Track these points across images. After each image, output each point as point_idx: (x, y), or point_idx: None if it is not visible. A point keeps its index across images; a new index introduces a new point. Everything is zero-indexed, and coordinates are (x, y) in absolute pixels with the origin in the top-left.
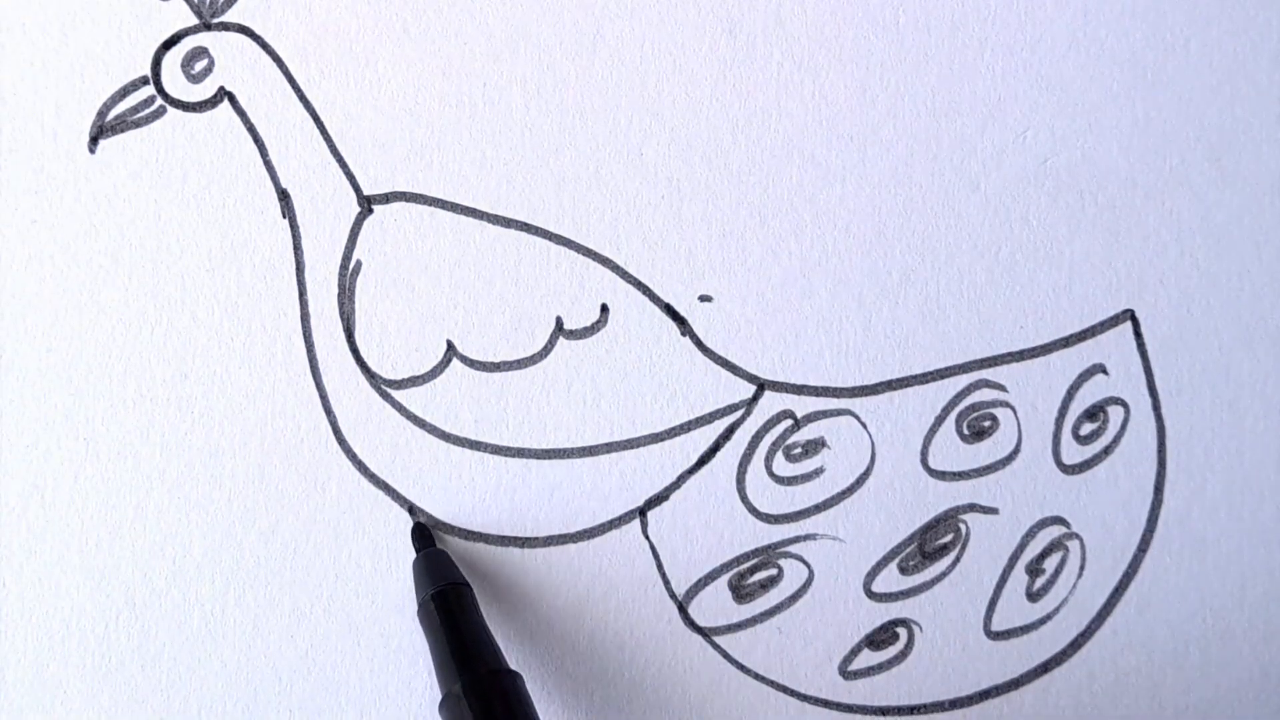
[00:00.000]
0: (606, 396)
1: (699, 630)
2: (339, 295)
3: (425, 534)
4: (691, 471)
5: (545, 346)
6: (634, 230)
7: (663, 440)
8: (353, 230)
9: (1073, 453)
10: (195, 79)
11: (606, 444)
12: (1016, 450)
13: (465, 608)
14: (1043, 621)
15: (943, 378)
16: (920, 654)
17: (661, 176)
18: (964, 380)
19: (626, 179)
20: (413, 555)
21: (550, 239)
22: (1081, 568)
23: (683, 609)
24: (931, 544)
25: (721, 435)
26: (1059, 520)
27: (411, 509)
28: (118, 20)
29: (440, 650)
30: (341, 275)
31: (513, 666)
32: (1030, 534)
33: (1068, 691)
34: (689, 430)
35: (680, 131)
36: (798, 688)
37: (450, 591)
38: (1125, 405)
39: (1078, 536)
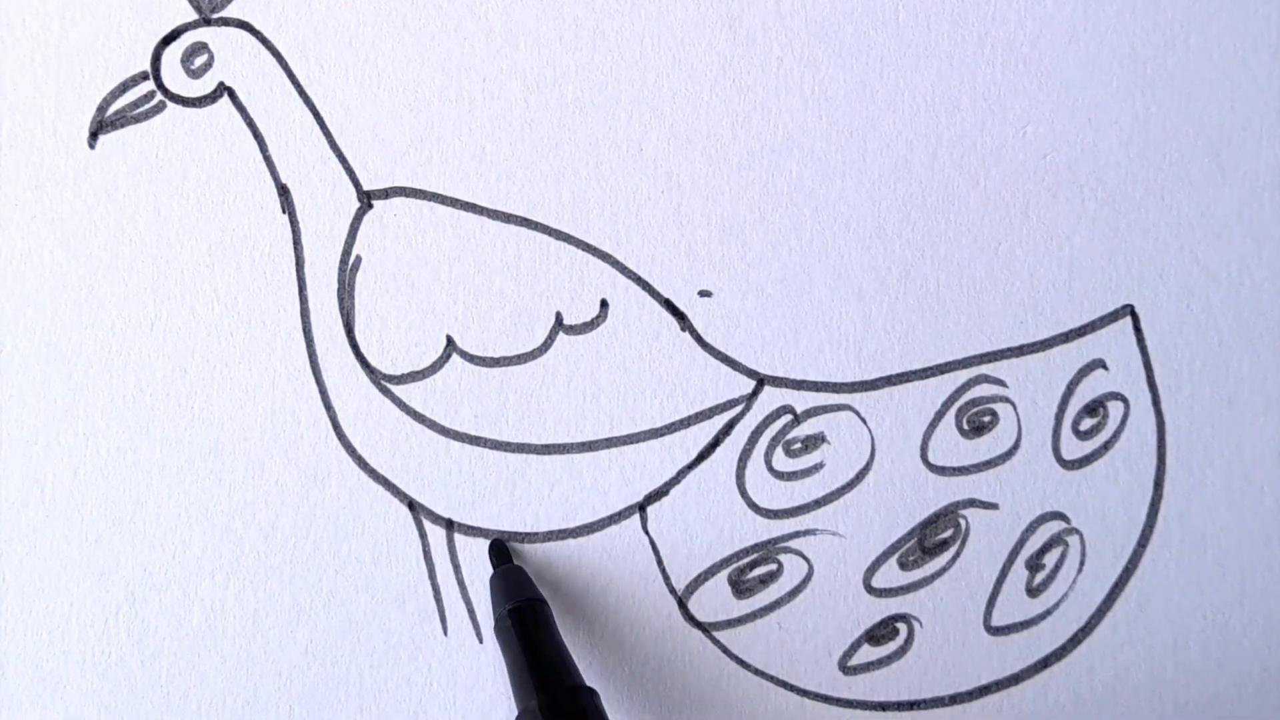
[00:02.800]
0: (606, 391)
1: (699, 625)
2: (339, 290)
3: (503, 550)
4: (691, 467)
5: (545, 342)
6: (634, 225)
7: (662, 435)
8: (352, 225)
9: (1072, 448)
10: (195, 74)
11: (606, 439)
12: (1016, 445)
13: (542, 624)
14: (1043, 617)
15: (942, 373)
16: (920, 649)
17: (661, 172)
18: (964, 375)
19: (626, 174)
20: (412, 546)
21: (550, 234)
22: (1081, 563)
23: (682, 604)
24: (931, 539)
25: (721, 430)
26: (1059, 515)
27: (411, 504)
28: (118, 16)
29: (517, 666)
30: (341, 270)
31: None
32: (1030, 529)
33: (1068, 687)
34: (689, 425)
35: (680, 127)
36: (797, 683)
37: (527, 607)
38: (1125, 400)
39: (1078, 532)
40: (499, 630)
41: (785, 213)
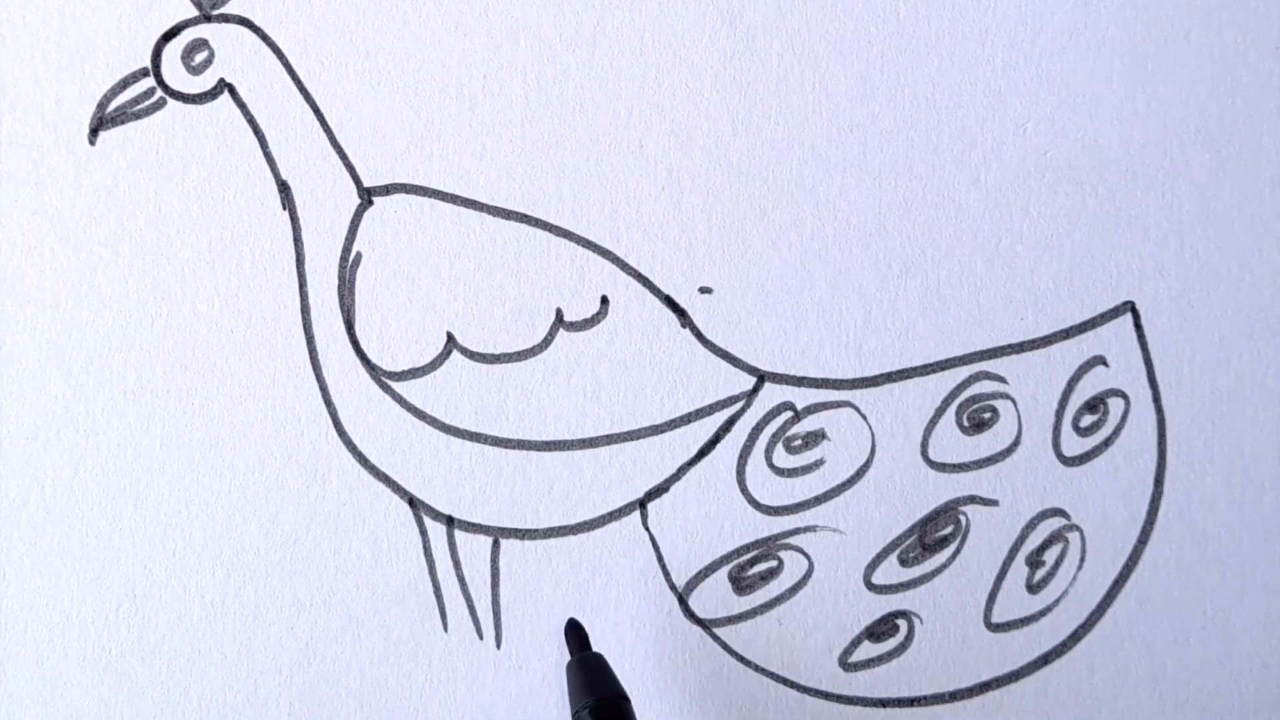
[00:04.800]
0: (606, 388)
1: (699, 622)
2: (339, 287)
3: (582, 635)
4: (691, 463)
5: (545, 338)
6: (634, 222)
7: (663, 432)
8: (353, 222)
9: (1073, 444)
10: (195, 71)
11: (606, 436)
12: (1017, 442)
13: None
14: (1043, 613)
15: (943, 369)
16: (920, 646)
17: (662, 168)
18: (964, 372)
19: (627, 171)
20: (412, 543)
21: (550, 231)
22: (1081, 560)
23: (683, 601)
24: (932, 536)
25: (721, 427)
26: (1059, 512)
27: (412, 501)
28: (118, 12)
29: None
30: (341, 267)
31: (509, 656)
32: (1030, 526)
33: (1068, 683)
34: (689, 422)
35: (681, 123)
36: (798, 679)
37: (608, 706)
38: (1125, 397)
39: (1078, 528)
40: None
41: (785, 209)
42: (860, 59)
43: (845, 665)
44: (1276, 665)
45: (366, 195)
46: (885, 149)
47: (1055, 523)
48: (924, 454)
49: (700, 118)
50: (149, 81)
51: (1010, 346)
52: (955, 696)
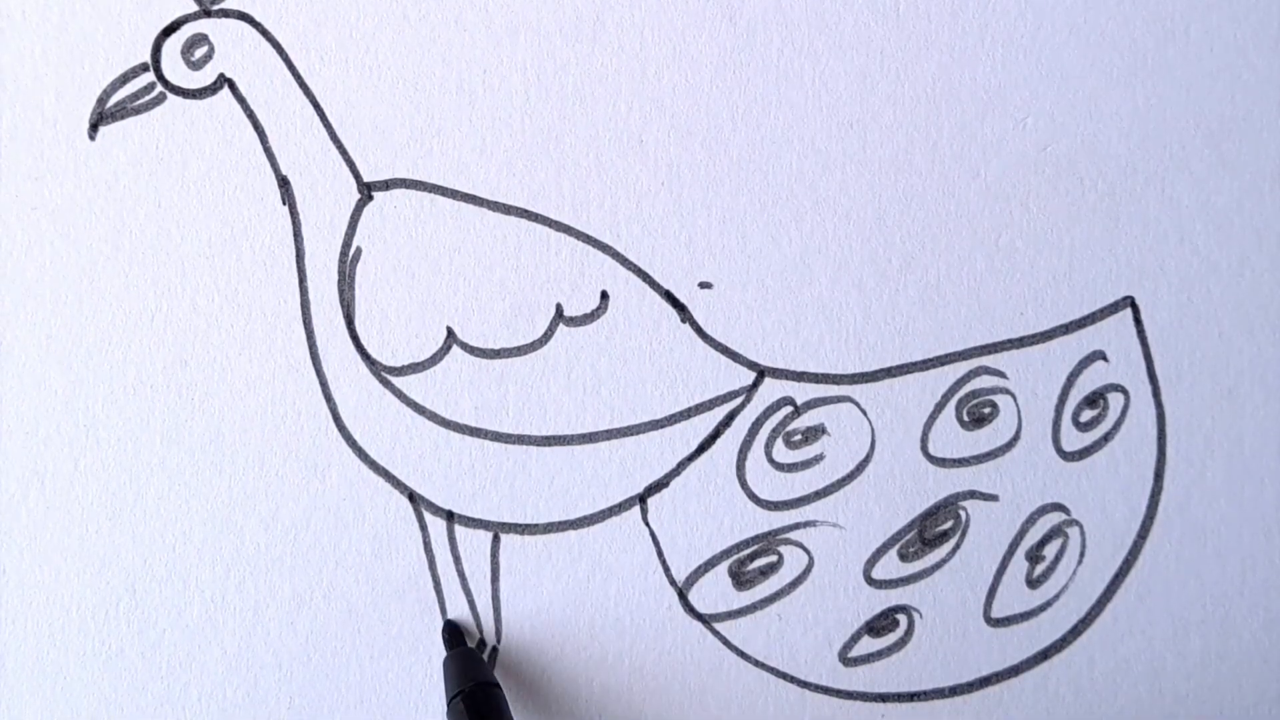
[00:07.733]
0: (606, 383)
1: (699, 617)
2: (339, 282)
3: (456, 632)
4: (691, 458)
5: (545, 333)
6: (634, 217)
7: (663, 427)
8: (353, 217)
9: (1073, 439)
10: (195, 66)
11: (606, 431)
12: (1016, 437)
13: (494, 708)
14: (1043, 608)
15: (943, 364)
16: (920, 641)
17: (662, 164)
18: (964, 367)
19: (627, 166)
20: (412, 538)
21: (550, 226)
22: (1081, 555)
23: (683, 596)
24: (931, 531)
25: (721, 422)
26: (1059, 507)
27: (412, 495)
28: (118, 7)
29: None
30: (341, 262)
31: (509, 652)
32: (1030, 521)
33: (1068, 679)
34: (689, 417)
35: (680, 118)
36: (798, 674)
37: (479, 692)
38: (1125, 392)
39: (1078, 523)
40: (451, 714)
41: (785, 204)
42: (860, 54)
43: (845, 660)
44: (1276, 661)
45: (366, 190)
46: (885, 144)
47: (1055, 518)
48: (924, 449)
49: (700, 113)
50: (149, 77)
51: (1010, 341)
52: (955, 691)
